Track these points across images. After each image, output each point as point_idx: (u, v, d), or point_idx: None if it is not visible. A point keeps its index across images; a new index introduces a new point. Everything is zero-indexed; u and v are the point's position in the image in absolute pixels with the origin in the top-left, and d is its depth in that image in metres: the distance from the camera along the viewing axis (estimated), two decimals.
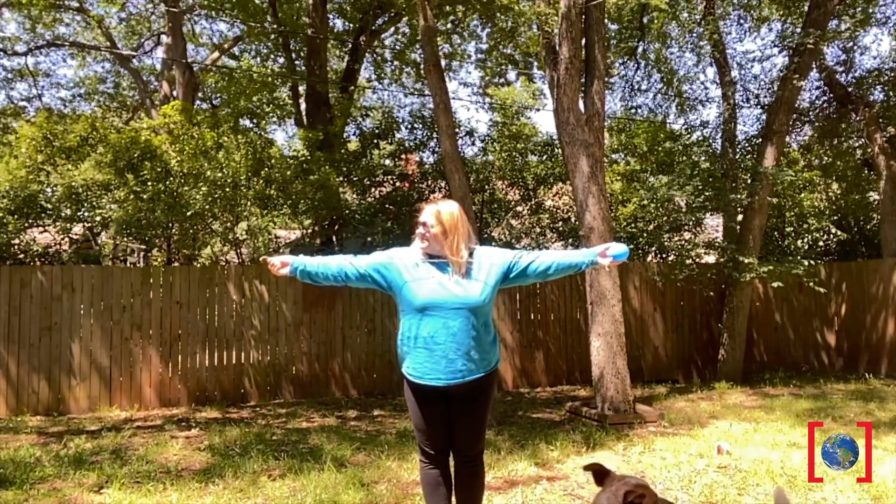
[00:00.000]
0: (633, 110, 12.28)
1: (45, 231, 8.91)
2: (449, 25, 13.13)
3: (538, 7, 7.20)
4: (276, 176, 9.01)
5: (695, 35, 11.57)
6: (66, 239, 9.02)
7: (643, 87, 12.14)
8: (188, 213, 8.48)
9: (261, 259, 2.98)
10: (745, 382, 9.01)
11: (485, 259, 3.03)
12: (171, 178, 8.45)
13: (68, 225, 8.67)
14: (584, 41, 7.11)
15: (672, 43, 11.99)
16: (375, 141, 10.98)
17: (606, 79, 7.97)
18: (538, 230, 11.27)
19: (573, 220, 10.24)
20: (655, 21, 11.51)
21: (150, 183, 8.28)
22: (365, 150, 10.86)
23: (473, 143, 11.74)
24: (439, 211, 2.99)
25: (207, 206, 8.54)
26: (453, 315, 2.91)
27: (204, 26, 16.36)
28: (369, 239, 10.64)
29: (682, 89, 12.29)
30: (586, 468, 2.44)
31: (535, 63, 12.93)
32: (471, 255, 3.02)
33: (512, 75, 14.03)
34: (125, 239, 9.79)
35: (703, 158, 10.64)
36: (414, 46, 13.46)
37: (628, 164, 11.45)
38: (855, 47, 11.23)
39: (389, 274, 3.03)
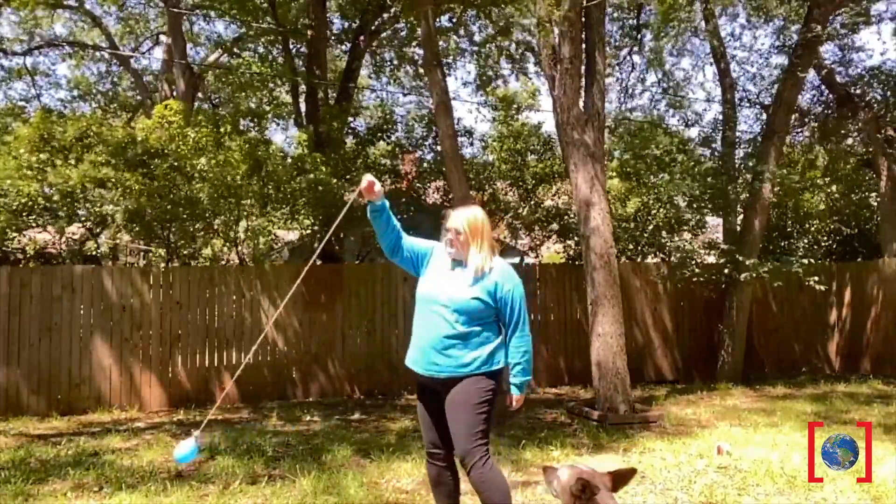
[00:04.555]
0: (628, 112, 12.29)
1: (44, 231, 8.90)
2: (447, 23, 13.12)
3: (539, 10, 7.20)
4: (274, 175, 9.01)
5: (694, 34, 11.58)
6: (65, 239, 9.01)
7: (638, 90, 12.18)
8: (188, 213, 8.48)
9: (365, 178, 3.05)
10: (745, 383, 9.01)
11: (496, 276, 3.11)
12: (171, 177, 8.44)
13: (66, 225, 8.66)
14: (584, 41, 7.11)
15: (671, 42, 11.98)
16: (373, 139, 10.98)
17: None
18: (538, 230, 11.27)
19: (574, 219, 10.23)
20: (653, 20, 11.51)
21: (149, 181, 8.28)
22: (363, 149, 10.86)
23: (472, 143, 11.76)
24: (465, 217, 3.15)
25: (208, 205, 8.53)
26: (444, 310, 3.06)
27: (203, 27, 16.37)
28: (369, 238, 10.65)
29: (678, 89, 12.30)
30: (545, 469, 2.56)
31: (532, 60, 12.94)
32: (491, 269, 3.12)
33: (507, 72, 14.03)
34: (125, 241, 9.78)
35: (704, 156, 10.64)
36: (413, 46, 13.47)
37: (628, 164, 11.45)
38: (853, 45, 11.23)
39: (420, 261, 3.26)
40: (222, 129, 9.17)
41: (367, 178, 3.06)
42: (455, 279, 3.11)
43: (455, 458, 3.10)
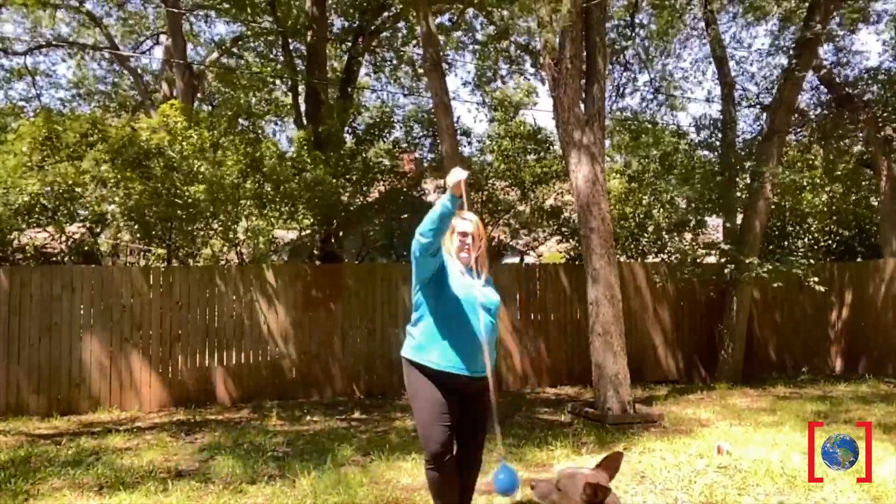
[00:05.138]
0: (618, 111, 12.26)
1: (44, 230, 8.90)
2: (447, 22, 13.14)
3: (540, 10, 7.19)
4: (272, 175, 9.01)
5: (693, 33, 11.59)
6: (65, 238, 9.01)
7: (629, 89, 12.15)
8: (188, 213, 8.48)
9: (459, 173, 2.91)
10: (745, 383, 9.01)
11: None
12: (172, 176, 8.44)
13: (67, 223, 8.65)
14: (584, 41, 7.10)
15: (669, 42, 11.98)
16: (372, 139, 10.97)
17: None
18: (538, 230, 11.28)
19: (573, 219, 10.24)
20: (652, 19, 11.51)
21: (151, 180, 8.28)
22: (361, 149, 10.86)
23: (471, 143, 11.78)
24: (476, 222, 3.31)
25: (208, 205, 8.53)
26: (485, 313, 3.17)
27: (202, 27, 16.38)
28: (370, 236, 10.67)
29: (673, 89, 12.29)
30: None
31: (529, 61, 12.95)
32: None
33: (505, 72, 14.05)
34: (125, 240, 9.78)
35: (704, 153, 10.64)
36: (413, 45, 13.48)
37: (628, 164, 11.47)
38: (851, 44, 11.25)
39: (441, 263, 3.23)
40: (217, 130, 9.17)
41: (462, 173, 2.96)
42: (476, 283, 3.25)
43: (477, 447, 3.26)
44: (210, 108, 16.01)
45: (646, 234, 10.38)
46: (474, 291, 3.19)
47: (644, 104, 12.17)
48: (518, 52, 12.99)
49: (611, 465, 2.43)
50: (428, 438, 3.11)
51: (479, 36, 13.70)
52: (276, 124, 16.78)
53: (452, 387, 3.13)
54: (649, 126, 11.63)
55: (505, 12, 10.33)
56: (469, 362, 3.12)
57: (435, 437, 3.09)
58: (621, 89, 11.94)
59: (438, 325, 3.15)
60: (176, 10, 11.78)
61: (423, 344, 3.18)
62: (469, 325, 3.13)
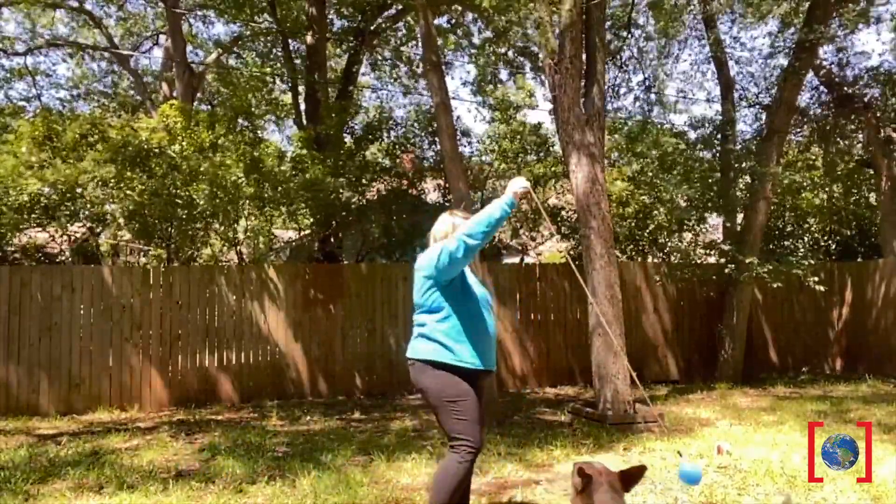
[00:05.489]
0: (614, 112, 12.23)
1: (45, 230, 8.90)
2: (446, 24, 13.13)
3: (539, 10, 7.19)
4: (270, 175, 9.01)
5: (694, 35, 11.58)
6: (66, 237, 9.01)
7: (626, 90, 12.14)
8: (188, 213, 8.48)
9: (523, 183, 3.18)
10: (745, 383, 9.01)
11: None
12: (172, 176, 8.45)
13: (68, 223, 8.66)
14: (584, 41, 7.10)
15: (669, 42, 11.95)
16: (371, 138, 10.97)
17: None
18: (538, 229, 11.28)
19: (574, 219, 10.24)
20: (649, 20, 11.49)
21: (151, 180, 8.28)
22: (360, 149, 10.85)
23: (471, 143, 11.77)
24: None
25: (207, 205, 8.53)
26: (490, 309, 3.33)
27: (201, 28, 16.39)
28: (369, 238, 10.66)
29: (666, 90, 12.27)
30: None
31: (529, 65, 12.94)
32: None
33: (505, 76, 14.04)
34: (125, 240, 9.78)
35: (704, 157, 10.63)
36: (412, 46, 13.47)
37: (629, 163, 11.46)
38: (851, 45, 11.22)
39: None
40: (217, 130, 9.17)
41: (525, 182, 3.18)
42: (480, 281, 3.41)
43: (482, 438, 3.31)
44: (210, 108, 16.02)
45: (646, 235, 10.38)
46: (483, 288, 3.35)
47: (638, 104, 12.16)
48: (516, 55, 12.99)
49: (631, 474, 2.46)
50: (476, 432, 3.13)
51: (476, 40, 13.68)
52: (275, 124, 16.79)
53: (477, 380, 3.23)
54: (647, 126, 11.62)
55: (504, 17, 10.33)
56: (487, 357, 3.23)
57: (479, 430, 3.15)
58: (617, 90, 11.92)
59: (464, 324, 3.18)
60: (176, 10, 11.78)
61: (451, 345, 3.16)
62: (486, 322, 3.25)
